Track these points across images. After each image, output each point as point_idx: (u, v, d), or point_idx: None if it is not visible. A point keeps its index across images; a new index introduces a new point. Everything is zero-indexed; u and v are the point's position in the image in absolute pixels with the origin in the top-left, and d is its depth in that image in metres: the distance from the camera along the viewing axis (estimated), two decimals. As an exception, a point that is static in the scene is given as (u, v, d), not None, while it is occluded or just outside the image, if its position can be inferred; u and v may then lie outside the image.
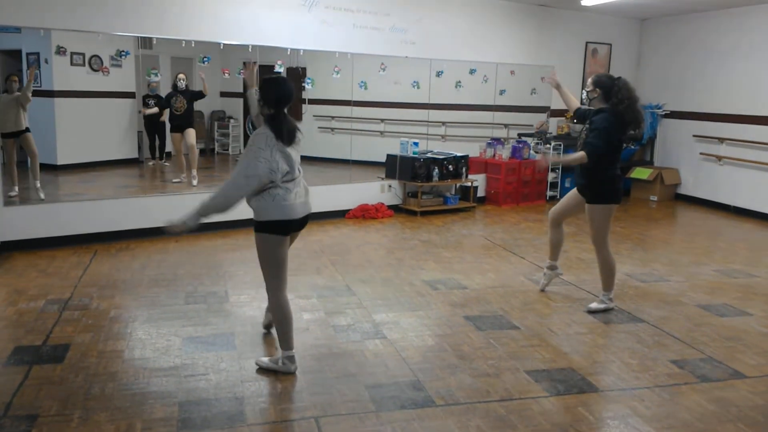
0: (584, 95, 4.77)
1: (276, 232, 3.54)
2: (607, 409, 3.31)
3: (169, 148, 9.12)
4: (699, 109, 9.47)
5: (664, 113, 9.98)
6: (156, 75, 7.62)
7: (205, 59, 7.59)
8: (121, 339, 4.03)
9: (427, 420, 3.12)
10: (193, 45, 6.89)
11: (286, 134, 3.43)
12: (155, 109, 8.59)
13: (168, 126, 8.62)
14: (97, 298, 4.76)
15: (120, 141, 9.09)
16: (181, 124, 8.37)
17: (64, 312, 4.47)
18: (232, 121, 10.92)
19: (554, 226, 5.04)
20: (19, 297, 4.77)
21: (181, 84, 8.25)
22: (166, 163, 9.28)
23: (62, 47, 7.64)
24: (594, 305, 4.80)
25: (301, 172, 3.59)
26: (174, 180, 8.37)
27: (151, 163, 9.13)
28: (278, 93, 3.44)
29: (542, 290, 5.21)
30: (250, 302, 4.74)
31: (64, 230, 6.26)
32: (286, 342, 3.61)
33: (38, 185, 6.80)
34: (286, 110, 3.50)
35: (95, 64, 8.18)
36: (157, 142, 9.17)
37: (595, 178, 4.58)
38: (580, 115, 4.92)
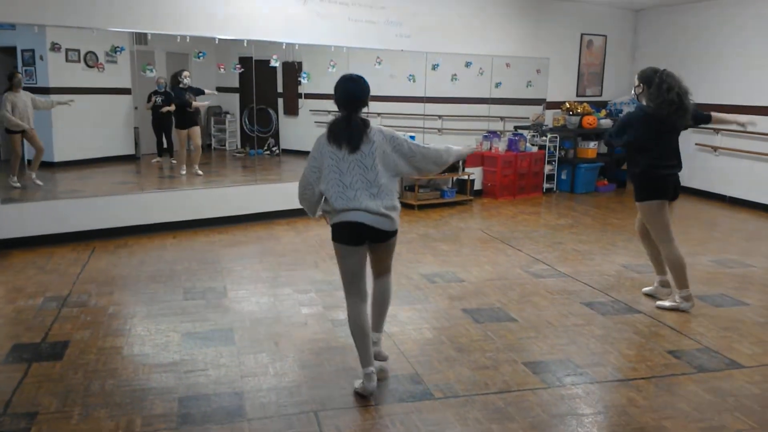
0: (633, 92, 4.71)
1: (338, 239, 3.35)
2: (605, 400, 3.33)
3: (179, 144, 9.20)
4: (694, 99, 9.45)
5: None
6: (151, 70, 7.59)
7: (200, 54, 7.57)
8: (120, 335, 4.04)
9: (426, 413, 3.14)
10: (188, 40, 6.88)
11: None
12: (172, 107, 8.59)
13: (173, 122, 8.65)
14: (95, 295, 4.77)
15: (116, 137, 9.06)
16: (189, 120, 8.52)
17: (63, 309, 4.47)
18: (228, 116, 10.89)
19: (644, 239, 4.80)
20: (17, 294, 4.77)
21: (188, 81, 8.32)
22: (173, 160, 9.27)
23: (57, 44, 7.61)
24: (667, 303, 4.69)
25: (380, 181, 3.24)
26: (182, 173, 8.43)
27: (154, 161, 9.10)
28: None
29: (670, 308, 4.64)
30: (249, 297, 4.75)
31: (62, 227, 6.26)
32: (361, 358, 3.38)
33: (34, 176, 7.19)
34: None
35: (90, 60, 8.15)
36: (164, 140, 9.18)
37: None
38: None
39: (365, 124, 3.23)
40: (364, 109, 3.30)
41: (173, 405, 3.17)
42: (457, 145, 3.70)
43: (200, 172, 8.60)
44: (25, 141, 7.07)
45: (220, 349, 3.84)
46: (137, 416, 3.06)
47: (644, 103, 4.56)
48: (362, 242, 3.26)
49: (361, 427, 3.01)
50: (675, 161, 4.58)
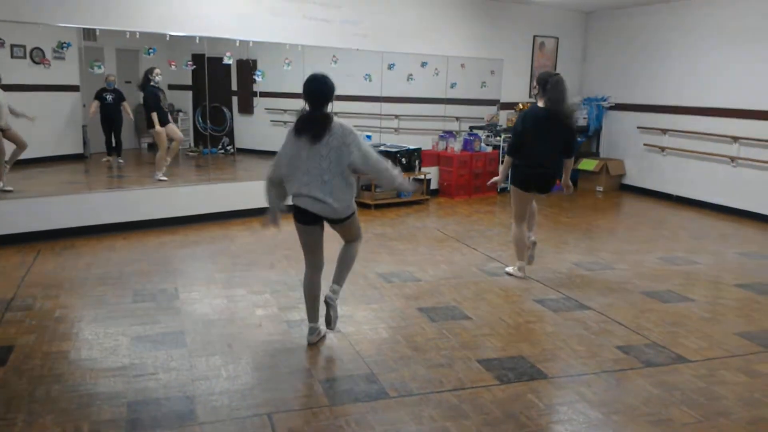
0: (532, 94, 5.17)
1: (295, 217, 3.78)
2: (556, 396, 3.39)
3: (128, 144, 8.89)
4: (643, 101, 9.73)
5: (609, 105, 10.22)
6: (99, 67, 7.39)
7: (150, 51, 7.42)
8: (66, 340, 3.91)
9: (381, 412, 3.14)
10: (138, 36, 6.73)
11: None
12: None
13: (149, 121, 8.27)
14: (41, 299, 4.62)
15: (64, 136, 8.82)
16: (166, 118, 8.23)
17: (7, 313, 4.32)
18: (180, 114, 10.71)
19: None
20: (-43, 299, 4.59)
21: (159, 79, 8.01)
22: (120, 160, 9.03)
23: (1, 39, 7.35)
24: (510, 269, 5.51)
25: (333, 172, 3.61)
26: (161, 178, 7.94)
27: (104, 160, 8.84)
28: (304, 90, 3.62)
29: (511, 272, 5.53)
30: (201, 299, 4.67)
31: (5, 229, 6.05)
32: (308, 314, 3.98)
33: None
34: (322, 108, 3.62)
35: (36, 56, 7.91)
36: (113, 138, 8.90)
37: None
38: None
39: (328, 118, 3.59)
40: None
41: (122, 410, 3.09)
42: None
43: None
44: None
45: (171, 352, 3.77)
46: (84, 422, 2.97)
47: (539, 104, 5.02)
48: (313, 223, 3.73)
49: (315, 429, 2.99)
50: (548, 163, 5.10)
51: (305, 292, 3.94)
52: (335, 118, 3.64)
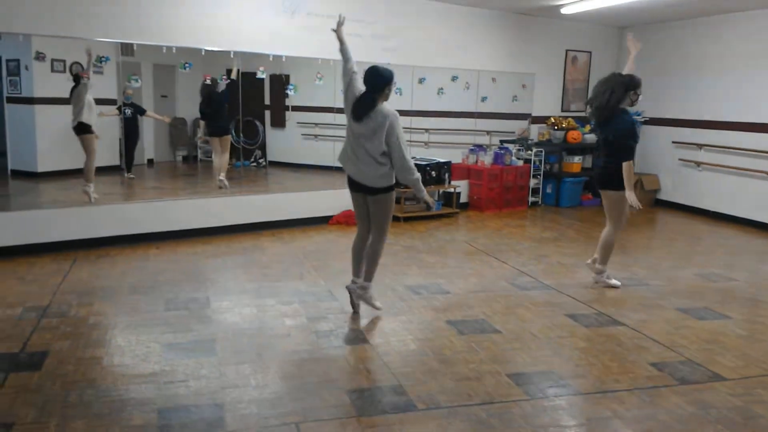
0: None
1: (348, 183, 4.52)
2: (588, 412, 3.33)
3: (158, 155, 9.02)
4: (678, 115, 9.59)
5: (643, 120, 10.09)
6: (137, 81, 7.54)
7: (186, 65, 7.56)
8: (100, 346, 3.98)
9: (409, 424, 3.12)
10: (174, 51, 6.87)
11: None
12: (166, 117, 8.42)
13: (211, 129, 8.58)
14: (76, 306, 4.71)
15: (102, 148, 8.99)
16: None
17: (43, 319, 4.41)
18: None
19: None
20: (-4, 305, 4.70)
21: (224, 87, 8.13)
22: (131, 175, 9.13)
23: (41, 53, 7.56)
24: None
25: (365, 148, 4.22)
26: (221, 177, 8.22)
27: (128, 176, 8.90)
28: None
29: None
30: (232, 308, 4.71)
31: (43, 237, 6.20)
32: (352, 269, 4.74)
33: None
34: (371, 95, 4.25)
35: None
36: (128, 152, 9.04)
37: None
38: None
39: (373, 102, 4.20)
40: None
41: (152, 416, 3.12)
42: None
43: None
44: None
45: (202, 360, 3.80)
46: (116, 427, 3.01)
47: None
48: (357, 191, 4.42)
49: (342, 439, 2.98)
50: (601, 157, 5.45)
51: (352, 250, 4.66)
52: (382, 105, 4.22)
